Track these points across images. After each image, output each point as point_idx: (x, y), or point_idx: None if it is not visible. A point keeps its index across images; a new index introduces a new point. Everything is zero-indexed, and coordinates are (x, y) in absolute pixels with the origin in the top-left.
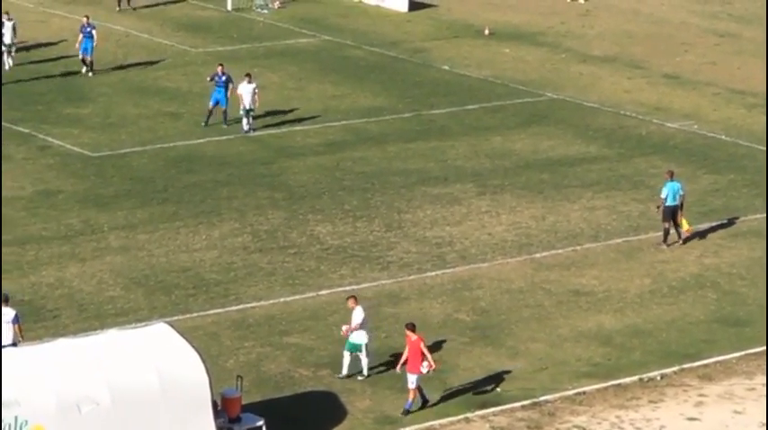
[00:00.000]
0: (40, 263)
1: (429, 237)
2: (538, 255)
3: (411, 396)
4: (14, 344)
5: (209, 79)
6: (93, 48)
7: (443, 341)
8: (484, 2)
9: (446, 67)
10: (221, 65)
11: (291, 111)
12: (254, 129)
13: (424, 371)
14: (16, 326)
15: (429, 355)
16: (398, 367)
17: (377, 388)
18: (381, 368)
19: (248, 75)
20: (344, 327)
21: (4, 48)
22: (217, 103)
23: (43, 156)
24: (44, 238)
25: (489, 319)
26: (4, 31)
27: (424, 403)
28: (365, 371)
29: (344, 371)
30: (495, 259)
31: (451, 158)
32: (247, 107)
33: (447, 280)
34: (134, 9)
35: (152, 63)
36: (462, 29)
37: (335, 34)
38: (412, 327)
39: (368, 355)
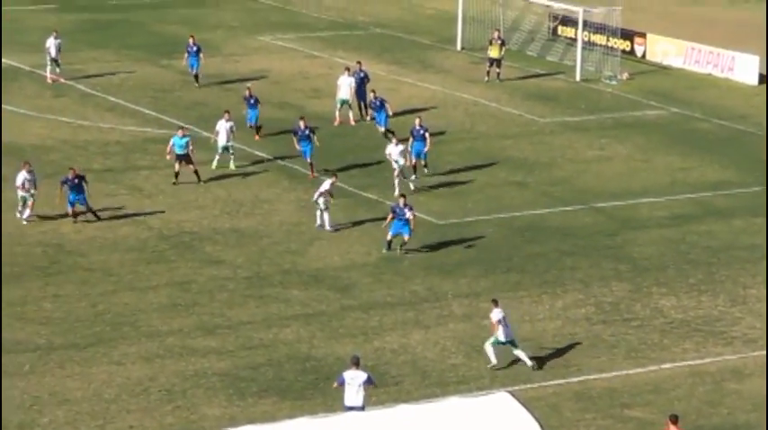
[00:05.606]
0: (384, 328)
1: None
2: None
3: None
4: (362, 408)
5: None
6: (386, 119)
7: None
8: None
9: None
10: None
11: (638, 182)
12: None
13: None
14: (369, 388)
15: None
16: None
17: None
18: None
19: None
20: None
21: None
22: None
23: None
24: (389, 304)
25: None
26: (218, 129)
27: None
28: (528, 363)
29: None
30: None
31: None
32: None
33: None
34: (501, 81)
35: (500, 132)
36: None
37: (684, 107)
38: (675, 420)
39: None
